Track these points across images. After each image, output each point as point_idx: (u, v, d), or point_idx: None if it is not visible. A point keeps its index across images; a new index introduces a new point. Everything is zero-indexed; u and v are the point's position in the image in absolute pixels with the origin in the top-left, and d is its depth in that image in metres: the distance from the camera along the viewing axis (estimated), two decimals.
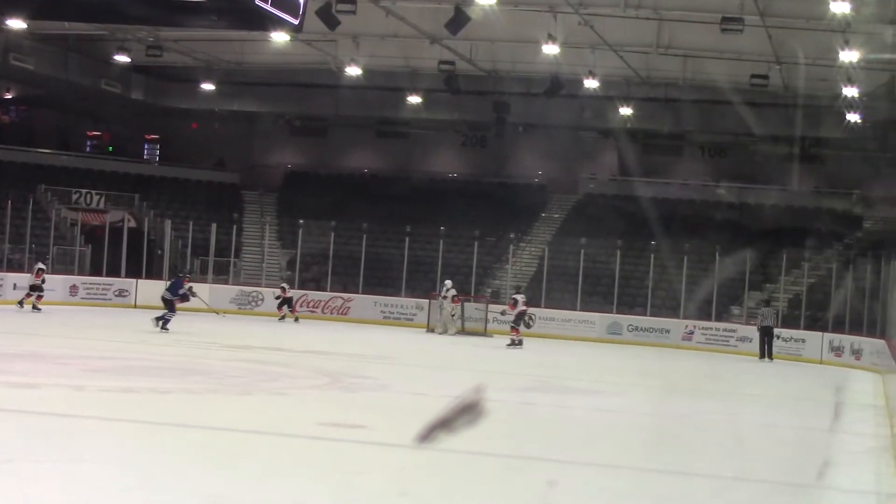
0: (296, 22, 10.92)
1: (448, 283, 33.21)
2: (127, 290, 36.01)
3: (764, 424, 16.21)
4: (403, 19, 31.33)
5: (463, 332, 32.67)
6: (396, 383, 18.45)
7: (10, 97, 45.84)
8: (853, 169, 40.22)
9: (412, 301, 36.01)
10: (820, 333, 31.90)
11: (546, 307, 34.49)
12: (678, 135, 42.64)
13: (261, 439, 11.96)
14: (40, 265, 32.07)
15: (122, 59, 37.48)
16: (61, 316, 29.81)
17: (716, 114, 38.75)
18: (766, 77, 32.66)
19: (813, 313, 34.08)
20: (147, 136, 48.67)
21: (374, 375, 19.24)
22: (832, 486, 11.39)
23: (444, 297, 32.87)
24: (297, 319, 34.02)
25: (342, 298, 36.79)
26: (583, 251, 36.68)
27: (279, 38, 32.13)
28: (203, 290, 33.10)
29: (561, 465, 11.43)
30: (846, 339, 30.78)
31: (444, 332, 32.58)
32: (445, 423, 6.49)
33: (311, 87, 41.92)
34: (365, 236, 38.26)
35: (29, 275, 31.92)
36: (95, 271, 37.05)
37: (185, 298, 27.71)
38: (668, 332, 34.03)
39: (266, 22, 11.21)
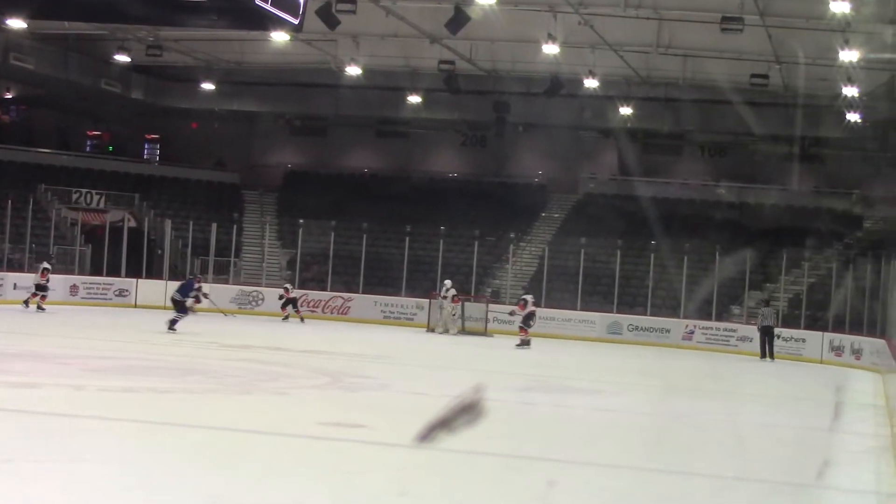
0: (296, 21, 10.91)
1: (448, 282, 33.22)
2: (127, 290, 36.02)
3: (764, 424, 16.21)
4: (403, 19, 31.32)
5: (463, 331, 32.68)
6: (396, 383, 18.45)
7: (10, 97, 45.84)
8: (853, 168, 40.23)
9: (412, 301, 36.01)
10: (820, 333, 31.89)
11: (546, 307, 34.44)
12: (678, 134, 42.65)
13: (261, 439, 11.96)
14: (45, 265, 32.08)
15: (122, 58, 37.47)
16: (61, 316, 29.81)
17: (716, 113, 38.75)
18: (766, 77, 32.65)
19: (813, 313, 34.08)
20: (147, 136, 48.68)
21: (375, 375, 19.24)
22: (832, 485, 11.39)
23: (445, 297, 32.89)
24: (302, 320, 33.99)
25: (342, 298, 36.79)
26: (583, 251, 36.68)
27: (279, 37, 32.12)
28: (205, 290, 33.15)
29: (561, 465, 11.43)
30: (846, 339, 30.78)
31: (445, 331, 32.59)
32: (445, 423, 6.49)
33: (311, 86, 41.92)
34: (365, 236, 38.25)
35: (34, 274, 31.92)
36: (96, 271, 37.06)
37: (196, 300, 27.78)
38: (668, 331, 34.03)
39: (266, 21, 11.21)
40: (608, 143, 44.12)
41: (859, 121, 35.28)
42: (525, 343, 28.37)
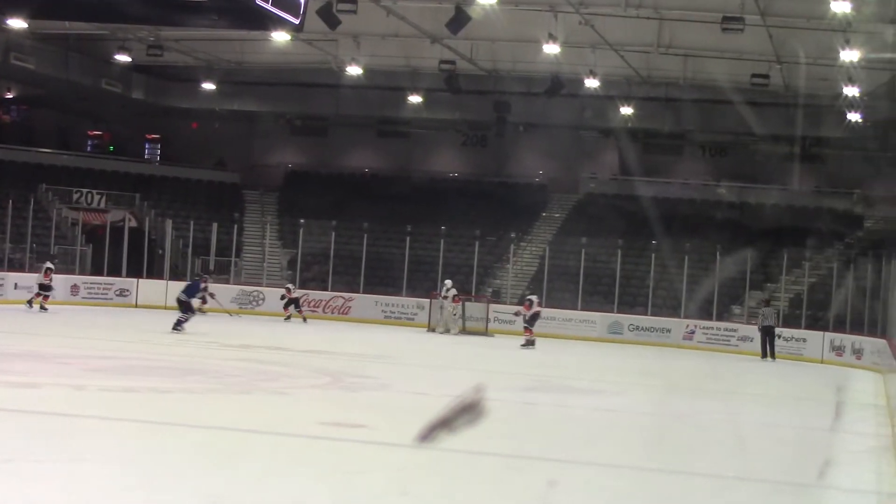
0: (296, 21, 10.91)
1: (448, 282, 33.24)
2: (128, 290, 36.03)
3: (765, 424, 16.20)
4: (404, 19, 31.33)
5: (464, 331, 32.69)
6: (397, 383, 18.44)
7: (10, 97, 45.85)
8: (854, 168, 40.22)
9: (413, 301, 36.01)
10: (821, 333, 31.89)
11: (547, 307, 34.36)
12: (679, 134, 42.65)
13: (261, 439, 11.95)
14: (49, 265, 32.08)
15: (122, 58, 37.47)
16: (62, 315, 29.81)
17: (716, 113, 38.76)
18: (766, 76, 32.64)
19: (814, 313, 34.08)
20: (148, 136, 48.69)
21: (375, 375, 19.24)
22: (833, 485, 11.39)
23: (445, 297, 32.90)
24: (305, 320, 33.98)
25: (343, 298, 36.79)
26: (583, 251, 36.67)
27: (280, 37, 32.12)
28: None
29: (562, 465, 11.43)
30: (847, 339, 30.77)
31: (446, 331, 32.60)
32: (446, 423, 6.49)
33: (312, 86, 41.92)
34: (366, 236, 38.24)
35: (37, 274, 31.92)
36: (96, 271, 37.06)
37: (203, 300, 27.80)
38: (669, 331, 34.03)
39: (267, 21, 11.21)
40: (609, 143, 44.12)
41: (860, 121, 35.28)
42: (530, 343, 28.41)
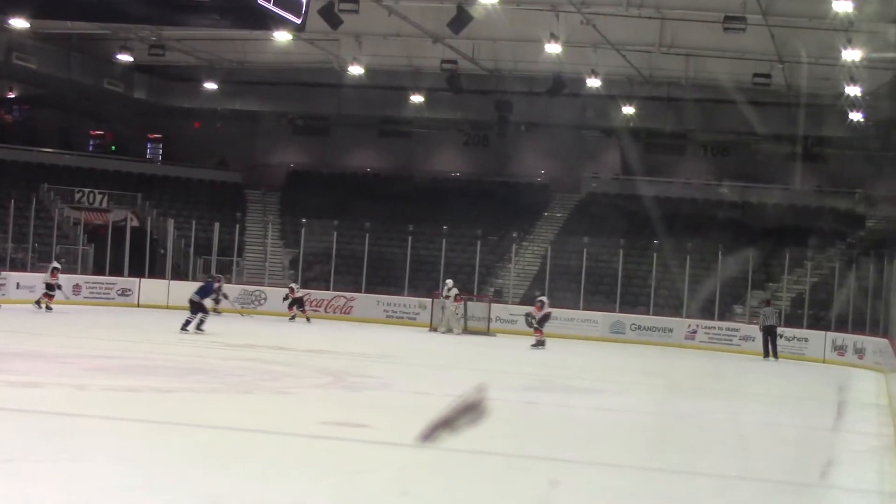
0: (298, 21, 10.91)
1: (449, 282, 33.25)
2: (130, 290, 36.05)
3: (767, 423, 16.19)
4: (406, 18, 31.33)
5: (466, 331, 32.70)
6: (399, 382, 18.44)
7: (12, 96, 45.88)
8: (856, 168, 40.21)
9: (415, 300, 36.00)
10: (823, 332, 31.87)
11: (550, 307, 34.43)
12: (681, 134, 42.64)
13: (263, 438, 11.95)
14: (56, 264, 32.11)
15: (124, 58, 37.50)
16: (64, 315, 29.81)
17: (718, 113, 38.76)
18: (768, 76, 32.65)
19: (816, 312, 34.07)
20: (150, 136, 48.72)
21: (377, 374, 19.23)
22: (835, 485, 11.38)
23: (447, 297, 32.90)
24: (308, 320, 33.98)
25: (345, 298, 36.79)
26: (585, 250, 36.66)
27: (282, 37, 32.12)
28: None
29: (563, 465, 11.42)
30: (849, 339, 30.76)
31: (449, 331, 32.60)
32: (448, 423, 6.49)
33: (314, 86, 41.93)
34: (367, 235, 38.22)
35: (43, 274, 31.93)
36: (98, 270, 37.08)
37: (216, 301, 27.83)
38: (670, 331, 34.02)
39: (268, 21, 11.20)
40: (611, 143, 44.12)
41: (862, 120, 35.27)
42: (540, 343, 28.45)
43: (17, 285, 32.48)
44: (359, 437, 12.25)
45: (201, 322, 25.85)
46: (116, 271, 36.72)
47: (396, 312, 36.04)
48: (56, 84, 40.25)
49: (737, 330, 33.51)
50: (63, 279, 33.45)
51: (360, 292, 37.12)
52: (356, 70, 35.73)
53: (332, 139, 46.73)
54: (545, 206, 43.43)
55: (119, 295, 35.77)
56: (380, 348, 25.68)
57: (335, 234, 38.71)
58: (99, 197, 41.24)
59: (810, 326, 32.92)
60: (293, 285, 35.15)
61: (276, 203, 44.99)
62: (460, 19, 28.56)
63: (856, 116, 34.87)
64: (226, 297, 29.34)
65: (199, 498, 8.82)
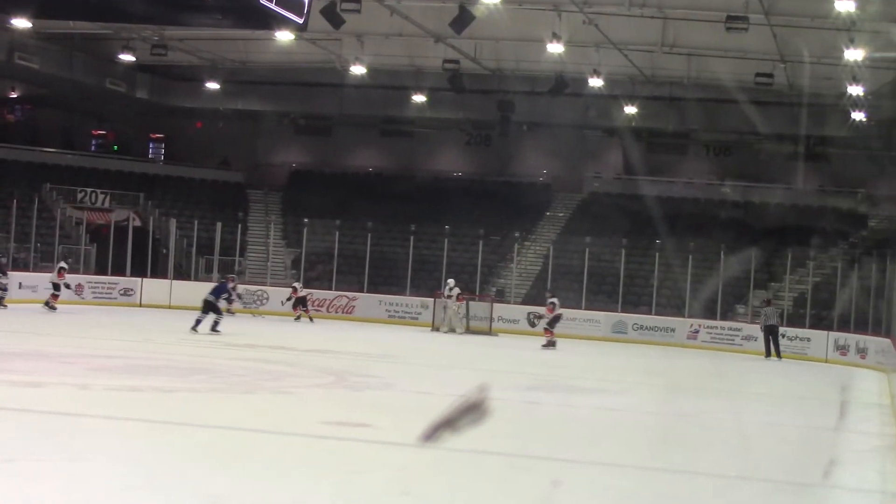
0: (300, 21, 10.93)
1: (451, 281, 33.28)
2: (132, 289, 36.06)
3: (769, 423, 16.18)
4: (408, 18, 31.33)
5: (468, 331, 32.71)
6: (401, 382, 18.43)
7: (15, 96, 45.89)
8: (858, 167, 40.21)
9: (417, 300, 36.01)
10: (825, 332, 31.86)
11: (546, 305, 34.43)
12: (683, 133, 42.63)
13: (265, 438, 11.95)
14: (63, 264, 32.13)
15: (126, 58, 37.50)
16: (66, 315, 29.83)
17: (720, 112, 38.74)
18: (770, 76, 32.63)
19: (818, 312, 34.06)
20: (152, 135, 48.75)
21: (379, 374, 19.23)
22: (837, 485, 11.36)
23: (449, 297, 32.91)
24: (311, 319, 33.98)
25: (347, 297, 36.79)
26: (587, 250, 36.66)
27: (284, 36, 32.13)
28: (208, 290, 33.22)
29: (565, 464, 11.42)
30: (851, 338, 30.75)
31: (451, 331, 32.61)
32: (450, 422, 6.48)
33: (316, 86, 41.95)
34: (370, 235, 38.25)
35: (51, 273, 31.95)
36: (100, 270, 37.10)
37: (229, 301, 27.85)
38: (673, 330, 34.01)
39: (271, 21, 11.22)
40: (613, 143, 44.12)
41: (864, 119, 35.27)
42: (551, 344, 28.47)
43: (20, 285, 32.48)
44: (360, 437, 12.25)
45: (216, 323, 25.79)
46: (119, 271, 36.73)
47: (398, 312, 36.04)
48: (58, 84, 40.28)
49: (739, 330, 33.49)
50: (68, 279, 33.49)
51: (363, 292, 37.13)
52: (358, 70, 35.73)
53: (334, 139, 46.74)
54: (547, 206, 43.43)
55: (121, 295, 35.79)
56: (382, 348, 25.68)
57: (337, 233, 38.72)
58: (101, 197, 41.28)
59: (813, 326, 32.91)
60: (296, 284, 35.13)
61: (279, 203, 45.00)
62: (462, 19, 28.56)
63: (858, 116, 34.88)
64: (239, 297, 29.37)
65: (200, 498, 8.81)
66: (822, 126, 37.36)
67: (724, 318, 34.70)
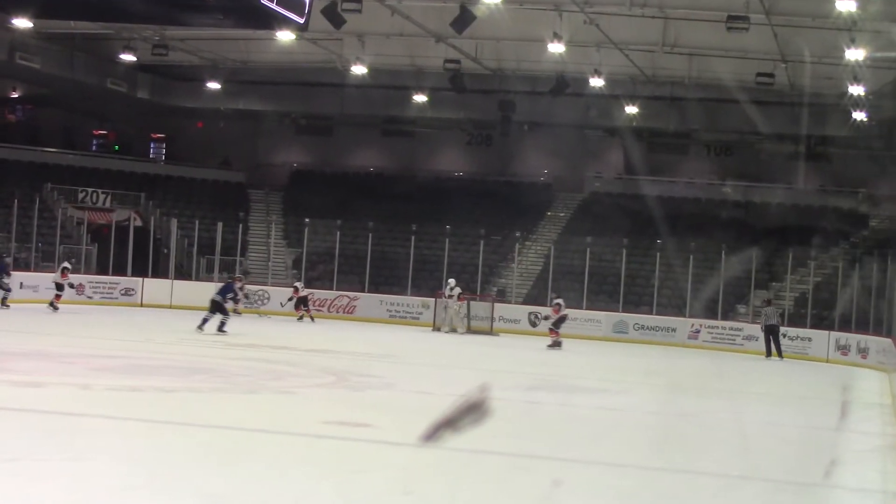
0: (301, 21, 10.93)
1: (452, 281, 33.30)
2: (133, 289, 36.06)
3: (770, 423, 16.18)
4: (409, 18, 31.34)
5: (469, 331, 32.71)
6: (402, 382, 18.44)
7: (16, 96, 45.91)
8: (859, 167, 40.20)
9: (418, 300, 36.02)
10: (826, 332, 31.86)
11: (552, 306, 34.42)
12: (684, 133, 42.62)
13: (266, 438, 11.95)
14: (66, 265, 32.14)
15: (127, 58, 37.48)
16: (67, 315, 29.83)
17: (721, 112, 38.74)
18: (771, 75, 32.63)
19: (819, 312, 34.06)
20: (153, 135, 48.76)
21: (380, 374, 19.24)
22: (838, 484, 11.36)
23: (450, 297, 32.92)
24: (312, 319, 33.98)
25: (348, 297, 36.79)
26: (588, 250, 36.66)
27: (285, 36, 32.13)
28: (209, 289, 33.25)
29: (566, 464, 11.42)
30: (853, 338, 30.74)
31: (452, 330, 32.62)
32: (451, 422, 6.49)
33: (317, 85, 41.94)
34: (371, 235, 38.26)
35: (54, 273, 31.96)
36: (101, 270, 37.12)
37: (236, 301, 27.86)
38: (674, 330, 34.01)
39: (272, 21, 11.22)
40: (614, 142, 44.13)
41: (865, 119, 35.27)
42: (557, 344, 28.50)
43: (21, 285, 32.48)
44: (361, 437, 12.25)
45: (222, 324, 25.76)
46: (120, 271, 36.75)
47: (399, 312, 36.05)
48: (59, 84, 40.29)
49: (740, 329, 33.49)
50: (71, 279, 33.52)
51: (364, 292, 37.14)
52: (359, 70, 35.73)
53: (335, 139, 46.74)
54: (548, 206, 43.43)
55: (122, 294, 35.80)
56: (383, 348, 25.68)
57: (338, 233, 38.75)
58: (102, 196, 41.29)
59: (814, 326, 32.92)
60: (297, 284, 35.13)
61: (280, 203, 45.01)
62: (463, 19, 28.56)
63: (859, 116, 34.88)
64: (246, 297, 29.35)
65: (201, 497, 8.82)
66: (823, 126, 37.36)
67: (725, 318, 34.70)
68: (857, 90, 31.90)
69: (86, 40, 38.36)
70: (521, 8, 29.63)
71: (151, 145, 48.98)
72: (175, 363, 19.13)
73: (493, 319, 33.53)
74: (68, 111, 46.16)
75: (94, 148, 47.62)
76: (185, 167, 45.68)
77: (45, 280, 32.35)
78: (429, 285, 36.70)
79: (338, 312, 36.29)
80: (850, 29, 26.82)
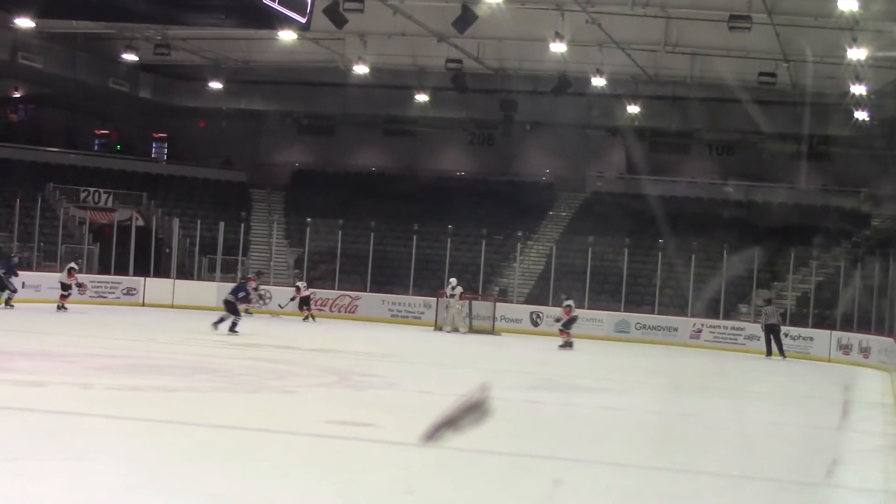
0: (303, 20, 10.94)
1: (453, 281, 33.29)
2: (135, 289, 36.06)
3: (771, 422, 16.18)
4: (411, 17, 31.33)
5: (470, 330, 32.71)
6: (404, 381, 18.44)
7: (18, 96, 45.90)
8: (861, 167, 40.16)
9: (420, 299, 36.02)
10: (828, 331, 31.83)
11: (553, 305, 34.40)
12: (686, 133, 42.61)
13: (268, 437, 11.95)
14: (72, 265, 32.15)
15: (129, 57, 37.48)
16: (69, 314, 29.85)
17: (723, 112, 38.72)
18: (773, 75, 32.61)
19: (821, 311, 34.03)
20: (155, 135, 48.79)
21: (382, 374, 19.24)
22: (840, 484, 11.36)
23: (452, 296, 32.91)
24: (314, 319, 33.97)
25: (350, 297, 36.79)
26: (590, 249, 36.64)
27: (286, 36, 32.10)
28: (211, 289, 33.28)
29: (568, 464, 11.42)
30: (854, 338, 30.72)
31: (454, 330, 32.61)
32: (452, 422, 6.49)
33: (319, 85, 41.94)
34: (372, 234, 38.27)
35: (60, 273, 31.97)
36: (103, 270, 37.11)
37: (248, 301, 27.90)
38: (675, 330, 33.99)
39: (273, 20, 11.23)
40: (616, 142, 44.12)
41: (867, 119, 35.27)
42: (568, 345, 28.49)
43: (23, 284, 32.47)
44: (363, 437, 12.25)
45: (234, 324, 25.77)
46: (121, 270, 36.75)
47: (401, 311, 36.05)
48: (61, 83, 40.29)
49: (742, 329, 33.48)
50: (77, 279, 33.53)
51: (365, 291, 37.13)
52: (361, 69, 35.72)
53: (337, 138, 46.74)
54: (550, 206, 43.42)
55: (124, 294, 35.80)
56: (384, 347, 25.68)
57: (340, 233, 38.76)
58: (104, 196, 41.30)
59: (815, 325, 32.89)
60: (299, 284, 35.12)
61: (281, 202, 45.02)
62: (465, 18, 28.55)
63: (861, 115, 34.86)
64: (260, 297, 29.32)
65: (202, 497, 8.82)
66: (825, 125, 37.34)
67: (726, 317, 34.69)
68: (859, 90, 31.89)
69: (88, 40, 38.35)
70: (523, 7, 29.62)
71: (153, 145, 49.00)
72: (176, 363, 19.13)
73: (494, 319, 33.51)
74: (70, 111, 46.18)
75: (96, 148, 47.64)
76: (186, 167, 45.69)
77: (46, 280, 32.37)
78: (430, 285, 36.69)
79: (340, 312, 36.29)
80: (852, 28, 26.81)
